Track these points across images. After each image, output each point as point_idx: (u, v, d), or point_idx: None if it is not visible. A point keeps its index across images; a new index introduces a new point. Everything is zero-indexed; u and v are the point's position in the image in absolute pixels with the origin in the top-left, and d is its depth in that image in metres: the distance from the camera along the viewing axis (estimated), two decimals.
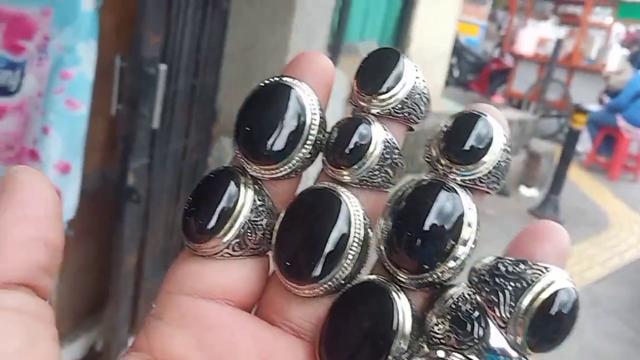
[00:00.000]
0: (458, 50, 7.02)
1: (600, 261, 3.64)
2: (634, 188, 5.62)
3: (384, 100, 0.24)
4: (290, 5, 1.59)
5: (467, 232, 0.21)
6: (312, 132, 0.24)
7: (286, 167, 0.24)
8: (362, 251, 0.23)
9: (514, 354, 0.19)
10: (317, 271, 0.22)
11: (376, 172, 0.24)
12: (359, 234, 0.23)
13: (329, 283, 0.22)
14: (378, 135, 0.24)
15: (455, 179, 0.23)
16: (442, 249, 0.21)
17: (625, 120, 5.68)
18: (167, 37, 1.35)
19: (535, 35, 8.11)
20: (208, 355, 0.23)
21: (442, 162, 0.23)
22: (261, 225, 0.24)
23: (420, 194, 0.22)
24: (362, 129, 0.24)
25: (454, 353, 0.20)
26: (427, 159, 0.24)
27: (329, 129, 0.25)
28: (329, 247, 0.22)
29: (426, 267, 0.21)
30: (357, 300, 0.22)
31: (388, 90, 0.24)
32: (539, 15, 9.10)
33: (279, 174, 0.24)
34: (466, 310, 0.20)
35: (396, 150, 0.25)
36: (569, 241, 0.21)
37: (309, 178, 0.25)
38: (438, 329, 0.21)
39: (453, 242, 0.21)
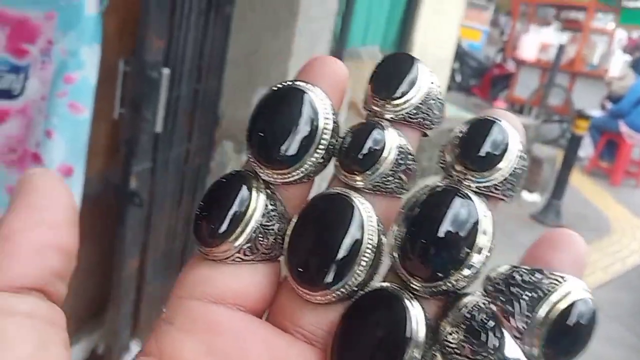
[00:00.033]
0: (460, 55, 7.02)
1: (602, 267, 3.63)
2: (636, 194, 5.61)
3: (398, 105, 0.24)
4: (294, 10, 1.59)
5: (482, 240, 0.21)
6: (324, 136, 0.24)
7: (298, 171, 0.23)
8: (375, 258, 0.23)
9: None
10: (330, 277, 0.22)
11: (390, 178, 0.24)
12: (372, 240, 0.22)
13: (342, 290, 0.22)
14: (392, 141, 0.24)
15: (470, 186, 0.22)
16: (457, 257, 0.21)
17: (628, 126, 5.67)
18: (170, 42, 1.35)
19: (538, 41, 8.12)
20: None
21: (457, 168, 0.23)
22: (273, 230, 0.24)
23: (434, 200, 0.22)
24: (376, 134, 0.23)
25: None
26: (441, 165, 0.24)
27: (342, 134, 0.25)
28: (341, 253, 0.22)
29: (440, 275, 0.21)
30: (370, 308, 0.22)
31: (402, 95, 0.24)
32: (542, 20, 9.11)
33: (291, 179, 0.24)
34: (481, 319, 0.20)
35: (410, 156, 0.24)
36: (586, 250, 0.21)
37: (320, 184, 0.25)
38: (452, 339, 0.21)
39: (468, 250, 0.21)
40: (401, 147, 0.24)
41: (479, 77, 7.69)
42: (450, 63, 4.03)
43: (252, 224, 0.23)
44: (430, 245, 0.21)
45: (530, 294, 0.19)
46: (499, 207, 0.23)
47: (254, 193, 0.23)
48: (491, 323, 0.20)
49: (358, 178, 0.24)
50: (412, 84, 0.24)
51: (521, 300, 0.19)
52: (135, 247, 1.48)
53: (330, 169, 0.25)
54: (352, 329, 0.22)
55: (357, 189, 0.24)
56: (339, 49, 2.23)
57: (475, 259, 0.21)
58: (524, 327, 0.19)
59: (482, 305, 0.20)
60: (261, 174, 0.24)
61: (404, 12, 3.18)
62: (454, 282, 0.21)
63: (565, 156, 4.19)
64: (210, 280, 0.23)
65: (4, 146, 1.14)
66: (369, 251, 0.22)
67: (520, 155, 0.22)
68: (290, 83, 0.24)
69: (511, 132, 0.22)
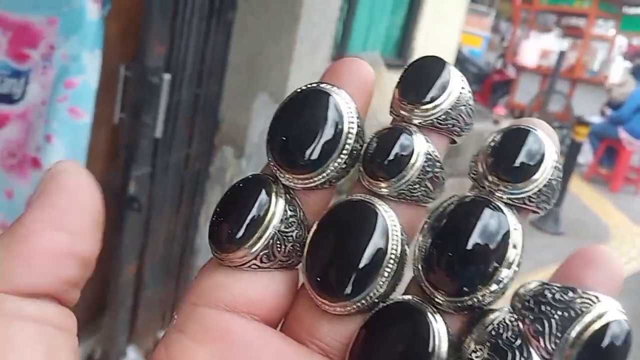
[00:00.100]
0: (461, 61, 7.03)
1: None
2: (636, 200, 5.61)
3: (427, 110, 0.23)
4: (295, 16, 1.59)
5: (512, 254, 0.20)
6: (348, 141, 0.23)
7: (320, 176, 0.23)
8: (398, 269, 0.22)
9: None
10: (350, 288, 0.21)
11: (416, 186, 0.23)
12: (395, 250, 0.21)
13: (362, 301, 0.21)
14: (420, 147, 0.23)
15: (501, 197, 0.21)
16: (485, 271, 0.20)
17: (627, 133, 5.68)
18: (172, 47, 1.36)
19: (538, 47, 8.14)
20: None
21: (489, 178, 0.22)
22: (291, 236, 0.23)
23: (463, 211, 0.21)
24: (403, 139, 0.22)
25: None
26: (472, 176, 0.23)
27: (366, 139, 0.24)
28: (363, 262, 0.21)
29: (466, 290, 0.20)
30: (391, 321, 0.21)
31: (432, 100, 0.23)
32: (542, 27, 9.13)
33: (312, 184, 0.23)
34: (507, 337, 0.19)
35: (438, 164, 0.23)
36: (622, 269, 0.19)
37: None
38: (476, 356, 0.20)
39: (497, 265, 0.20)
40: (429, 154, 0.23)
41: (479, 83, 7.70)
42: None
43: (270, 230, 0.22)
44: (457, 258, 0.20)
45: (561, 313, 0.18)
46: None
47: (273, 198, 0.22)
48: (518, 342, 0.19)
49: (383, 185, 0.23)
50: (443, 88, 0.23)
51: (552, 320, 0.18)
52: (133, 252, 1.48)
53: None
54: (371, 342, 0.21)
55: (381, 196, 0.23)
56: (340, 55, 2.23)
57: (504, 273, 0.20)
58: (553, 348, 0.18)
59: (509, 323, 0.20)
60: (281, 179, 0.23)
61: (405, 18, 3.19)
62: (480, 298, 0.20)
63: (564, 162, 4.19)
64: (225, 287, 0.22)
65: (3, 150, 1.14)
66: (392, 262, 0.21)
67: (556, 166, 0.22)
68: (315, 85, 0.24)
69: (547, 141, 0.21)
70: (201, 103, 1.57)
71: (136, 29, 1.28)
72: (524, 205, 0.21)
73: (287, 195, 0.23)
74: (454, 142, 0.25)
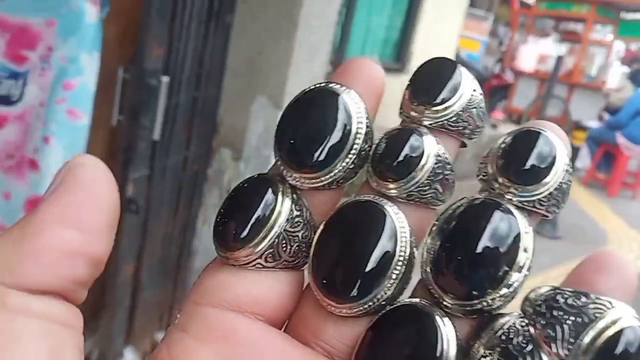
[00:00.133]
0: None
1: None
2: (633, 205, 5.62)
3: (438, 111, 0.23)
4: (294, 20, 1.60)
5: (522, 258, 0.19)
6: (357, 141, 0.22)
7: (328, 176, 0.22)
8: (406, 271, 0.21)
9: None
10: (357, 290, 0.21)
11: (426, 188, 0.22)
12: (404, 252, 0.21)
13: (370, 303, 0.21)
14: (430, 148, 0.22)
15: (511, 200, 0.21)
16: (495, 275, 0.19)
17: (625, 138, 5.69)
18: (170, 50, 1.36)
19: (536, 52, 8.17)
20: None
21: (500, 180, 0.21)
22: (297, 236, 0.22)
23: (473, 213, 0.21)
24: (413, 140, 0.22)
25: None
26: (482, 177, 0.22)
27: (375, 140, 0.23)
28: (371, 264, 0.21)
29: (476, 293, 0.19)
30: (398, 324, 0.20)
31: (443, 102, 0.23)
32: (540, 31, 9.15)
33: (319, 184, 0.22)
34: (518, 343, 0.19)
35: (448, 166, 0.23)
36: (635, 274, 0.19)
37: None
38: None
39: (507, 268, 0.19)
40: (439, 156, 0.23)
41: None
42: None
43: (276, 229, 0.22)
44: (466, 261, 0.20)
45: (574, 319, 0.18)
46: None
47: (279, 197, 0.22)
48: (529, 347, 0.19)
49: (392, 186, 0.22)
50: (454, 90, 0.23)
51: (564, 325, 0.18)
52: (131, 253, 1.48)
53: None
54: (378, 345, 0.20)
55: (389, 198, 0.22)
56: (338, 59, 2.24)
57: (514, 277, 0.19)
58: (566, 354, 0.17)
59: (520, 328, 0.19)
60: (288, 178, 0.23)
61: (403, 22, 3.20)
62: (490, 302, 0.19)
63: None
64: (229, 286, 0.22)
65: (1, 152, 1.14)
66: (400, 264, 0.21)
67: (567, 170, 0.21)
68: (324, 84, 0.23)
69: (558, 144, 0.21)
70: (199, 106, 1.57)
71: (135, 32, 1.28)
72: (533, 209, 0.21)
73: (294, 195, 0.23)
74: (464, 145, 0.24)
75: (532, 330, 0.19)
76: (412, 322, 0.20)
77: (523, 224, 0.20)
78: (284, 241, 0.22)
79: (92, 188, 0.19)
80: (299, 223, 0.22)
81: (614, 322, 0.17)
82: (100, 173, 0.19)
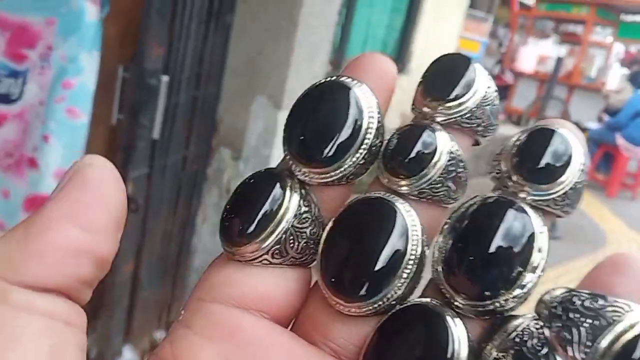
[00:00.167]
0: None
1: None
2: (632, 206, 5.62)
3: (451, 107, 0.22)
4: (294, 20, 1.60)
5: (537, 258, 0.19)
6: (368, 136, 0.22)
7: (337, 171, 0.22)
8: (417, 271, 0.21)
9: None
10: (367, 289, 0.20)
11: (438, 185, 0.22)
12: (415, 251, 0.20)
13: (379, 302, 0.20)
14: (443, 145, 0.22)
15: (525, 199, 0.20)
16: (508, 276, 0.19)
17: (624, 139, 5.70)
18: (170, 49, 1.36)
19: (536, 53, 8.17)
20: None
21: (514, 178, 0.21)
22: (305, 232, 0.22)
23: (486, 211, 0.20)
24: (426, 136, 0.22)
25: None
26: (495, 175, 0.22)
27: (386, 136, 0.23)
28: (381, 263, 0.20)
29: (488, 294, 0.19)
30: (408, 324, 0.20)
31: (457, 98, 0.22)
32: (540, 33, 9.16)
33: (329, 179, 0.22)
34: (532, 345, 0.18)
35: (461, 164, 0.22)
36: None
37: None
38: None
39: (521, 269, 0.19)
40: (452, 153, 0.22)
41: None
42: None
43: (283, 225, 0.21)
44: (479, 261, 0.19)
45: (591, 322, 0.17)
46: None
47: (287, 192, 0.22)
48: (544, 350, 0.18)
49: (403, 183, 0.22)
50: (468, 86, 0.22)
51: (581, 328, 0.17)
52: (130, 252, 1.48)
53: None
54: (386, 345, 0.20)
55: (401, 195, 0.22)
56: (338, 59, 2.24)
57: (528, 278, 0.19)
58: (582, 358, 0.17)
59: (534, 330, 0.18)
60: (297, 173, 0.22)
61: (403, 23, 3.20)
62: (503, 303, 0.19)
63: None
64: (235, 282, 0.22)
65: (0, 150, 1.15)
66: (411, 263, 0.20)
67: (582, 169, 0.21)
68: (335, 77, 0.23)
69: (574, 143, 0.21)
70: (199, 105, 1.58)
71: (135, 31, 1.29)
72: (548, 208, 0.21)
73: (302, 190, 0.22)
74: (477, 143, 0.24)
75: (546, 332, 0.18)
76: (422, 323, 0.20)
77: (537, 224, 0.20)
78: (291, 237, 0.22)
79: (100, 188, 0.19)
80: (307, 219, 0.22)
81: (632, 326, 0.17)
82: (108, 173, 0.19)
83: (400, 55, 3.28)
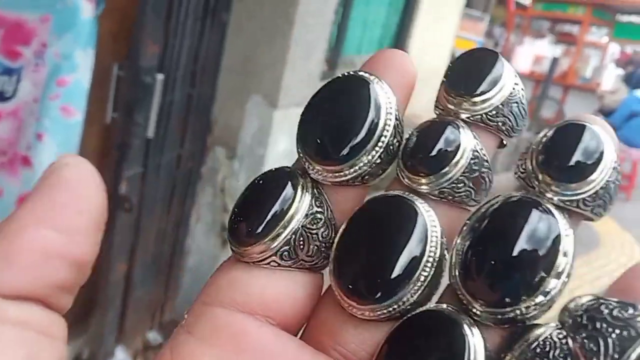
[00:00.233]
0: None
1: (589, 280, 3.65)
2: (626, 207, 5.65)
3: (476, 103, 0.21)
4: (290, 19, 1.60)
5: (562, 262, 0.18)
6: (385, 133, 0.21)
7: (352, 169, 0.21)
8: (435, 275, 0.19)
9: None
10: (382, 291, 0.19)
11: (460, 185, 0.21)
12: (433, 253, 0.19)
13: (394, 306, 0.19)
14: (467, 143, 0.21)
15: (552, 199, 0.19)
16: (531, 281, 0.17)
17: (619, 140, 5.71)
18: (165, 47, 1.35)
19: (532, 53, 8.20)
20: None
21: (540, 177, 0.19)
22: (316, 234, 0.21)
23: (508, 212, 0.19)
24: (449, 133, 0.21)
25: None
26: (520, 174, 0.20)
27: (405, 135, 0.22)
28: (399, 264, 0.19)
29: (508, 300, 0.18)
30: (422, 331, 0.19)
31: (482, 94, 0.21)
32: (536, 33, 9.18)
33: (343, 178, 0.21)
34: (554, 356, 0.17)
35: (485, 163, 0.21)
36: None
37: None
38: None
39: (544, 274, 0.17)
40: (476, 151, 0.21)
41: None
42: (444, 73, 4.05)
43: (293, 225, 0.20)
44: (499, 265, 0.18)
45: (619, 332, 0.16)
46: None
47: (299, 192, 0.21)
48: None
49: (423, 181, 0.21)
50: (495, 83, 0.21)
51: (608, 339, 0.16)
52: (124, 251, 1.47)
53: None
54: (399, 353, 0.19)
55: (420, 194, 0.21)
56: (334, 58, 2.24)
57: (552, 284, 0.17)
58: None
59: (557, 340, 0.17)
60: (310, 171, 0.21)
61: (399, 21, 3.20)
62: (524, 310, 0.18)
63: None
64: (241, 284, 0.21)
65: None
66: (429, 266, 0.19)
67: (615, 167, 0.19)
68: (354, 72, 0.22)
69: (605, 139, 0.19)
70: (194, 103, 1.57)
71: (129, 28, 1.28)
72: (577, 209, 0.19)
73: (315, 190, 0.21)
74: (502, 145, 0.23)
75: (571, 343, 0.17)
76: (437, 330, 0.18)
77: (563, 226, 0.18)
78: (301, 239, 0.21)
79: (76, 188, 0.18)
80: (319, 220, 0.21)
81: None
82: (86, 173, 0.18)
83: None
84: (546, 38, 9.09)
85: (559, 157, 0.19)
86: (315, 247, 0.21)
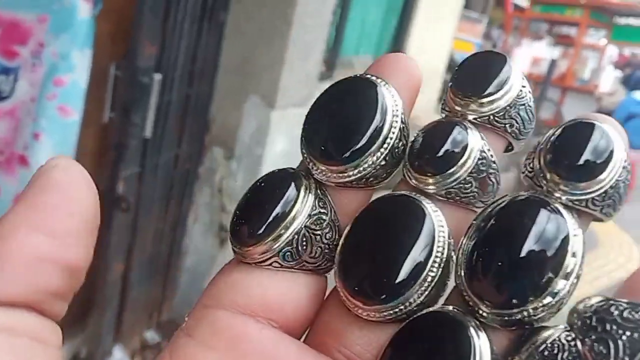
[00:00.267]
0: (452, 67, 7.07)
1: (588, 280, 3.65)
2: (625, 208, 5.61)
3: (483, 104, 0.21)
4: (288, 20, 1.60)
5: (570, 263, 0.17)
6: (391, 135, 0.21)
7: (356, 170, 0.21)
8: (442, 276, 0.19)
9: None
10: (389, 292, 0.19)
11: (467, 186, 0.20)
12: (440, 254, 0.19)
13: (400, 307, 0.19)
14: (474, 143, 0.21)
15: (560, 198, 0.19)
16: (539, 282, 0.17)
17: None
18: (163, 47, 1.35)
19: (530, 55, 8.22)
20: None
21: (548, 176, 0.19)
22: (320, 236, 0.21)
23: (515, 211, 0.19)
24: (456, 133, 0.21)
25: None
26: (527, 174, 0.20)
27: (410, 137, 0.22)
28: (406, 265, 0.19)
29: (516, 302, 0.17)
30: (427, 334, 0.18)
31: (489, 95, 0.21)
32: (534, 35, 9.20)
33: (347, 179, 0.21)
34: (563, 359, 0.17)
35: (493, 164, 0.21)
36: None
37: None
38: None
39: (552, 275, 0.17)
40: (484, 152, 0.21)
41: None
42: (442, 74, 4.05)
43: (296, 225, 0.20)
44: (506, 266, 0.17)
45: (630, 334, 0.15)
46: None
47: (302, 192, 0.21)
48: None
49: (430, 181, 0.20)
50: (502, 84, 0.21)
51: (619, 341, 0.15)
52: (121, 251, 1.47)
53: None
54: (404, 355, 0.18)
55: (427, 195, 0.21)
56: (332, 59, 2.24)
57: (561, 285, 0.17)
58: None
59: (566, 343, 0.17)
60: (314, 171, 0.21)
61: (397, 23, 3.20)
62: (532, 312, 0.17)
63: None
64: (242, 286, 0.20)
65: None
66: (435, 266, 0.19)
67: (625, 166, 0.19)
68: (359, 75, 0.22)
69: (615, 137, 0.19)
70: (192, 103, 1.57)
71: (127, 28, 1.28)
72: (586, 209, 0.19)
73: (319, 191, 0.21)
74: (509, 148, 0.23)
75: (579, 346, 0.16)
76: (442, 333, 0.18)
77: (572, 226, 0.18)
78: (304, 239, 0.20)
79: (67, 190, 0.17)
80: (322, 221, 0.21)
81: None
82: (77, 174, 0.18)
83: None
84: (544, 40, 9.10)
85: (568, 155, 0.19)
86: (319, 249, 0.21)
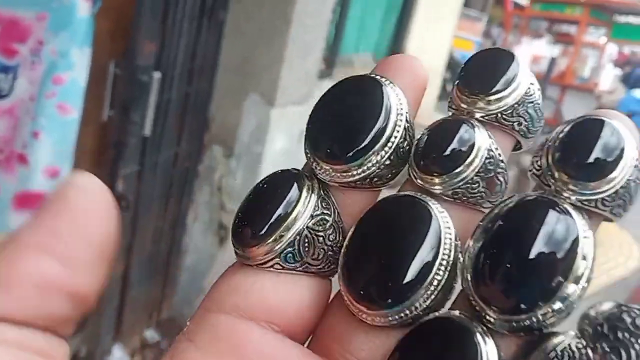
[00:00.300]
0: (452, 65, 7.07)
1: None
2: None
3: (491, 102, 0.21)
4: (287, 19, 1.60)
5: (581, 266, 0.17)
6: (395, 134, 0.20)
7: (360, 169, 0.20)
8: (449, 279, 0.18)
9: None
10: (394, 296, 0.18)
11: (474, 185, 0.20)
12: (447, 256, 0.18)
13: (406, 312, 0.18)
14: (481, 142, 0.20)
15: (569, 198, 0.18)
16: (548, 286, 0.16)
17: None
18: (162, 46, 1.35)
19: (530, 53, 8.21)
20: None
21: (556, 175, 0.19)
22: (323, 237, 0.20)
23: (523, 212, 0.18)
24: (463, 131, 0.20)
25: None
26: (535, 172, 0.20)
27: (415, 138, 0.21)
28: (412, 268, 0.18)
29: (524, 307, 0.17)
30: (433, 340, 0.18)
31: (497, 93, 0.21)
32: (534, 33, 9.20)
33: (351, 178, 0.20)
34: None
35: (501, 164, 0.20)
36: None
37: None
38: None
39: (562, 278, 0.16)
40: (491, 151, 0.20)
41: None
42: (441, 72, 4.05)
43: (298, 225, 0.20)
44: (514, 269, 0.17)
45: None
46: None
47: (304, 193, 0.20)
48: None
49: (437, 181, 0.20)
50: (509, 82, 0.21)
51: (631, 350, 0.15)
52: (120, 250, 1.47)
53: None
54: None
55: (433, 195, 0.20)
56: (331, 57, 2.24)
57: (571, 289, 0.17)
58: None
59: (576, 350, 0.16)
60: (318, 171, 0.21)
61: (397, 20, 3.20)
62: (541, 318, 0.17)
63: None
64: (244, 289, 0.20)
65: None
66: (442, 269, 0.18)
67: (636, 165, 0.18)
68: (364, 74, 0.21)
69: (626, 135, 0.18)
70: (191, 102, 1.57)
71: (126, 26, 1.28)
72: (595, 209, 0.18)
73: (323, 192, 0.21)
74: (518, 147, 0.22)
75: (590, 354, 0.16)
76: (448, 339, 0.17)
77: (582, 227, 0.17)
78: (306, 240, 0.20)
79: (84, 215, 0.16)
80: (325, 222, 0.20)
81: None
82: (96, 197, 0.17)
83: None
84: (544, 38, 9.10)
85: (577, 153, 0.18)
86: (322, 251, 0.20)
